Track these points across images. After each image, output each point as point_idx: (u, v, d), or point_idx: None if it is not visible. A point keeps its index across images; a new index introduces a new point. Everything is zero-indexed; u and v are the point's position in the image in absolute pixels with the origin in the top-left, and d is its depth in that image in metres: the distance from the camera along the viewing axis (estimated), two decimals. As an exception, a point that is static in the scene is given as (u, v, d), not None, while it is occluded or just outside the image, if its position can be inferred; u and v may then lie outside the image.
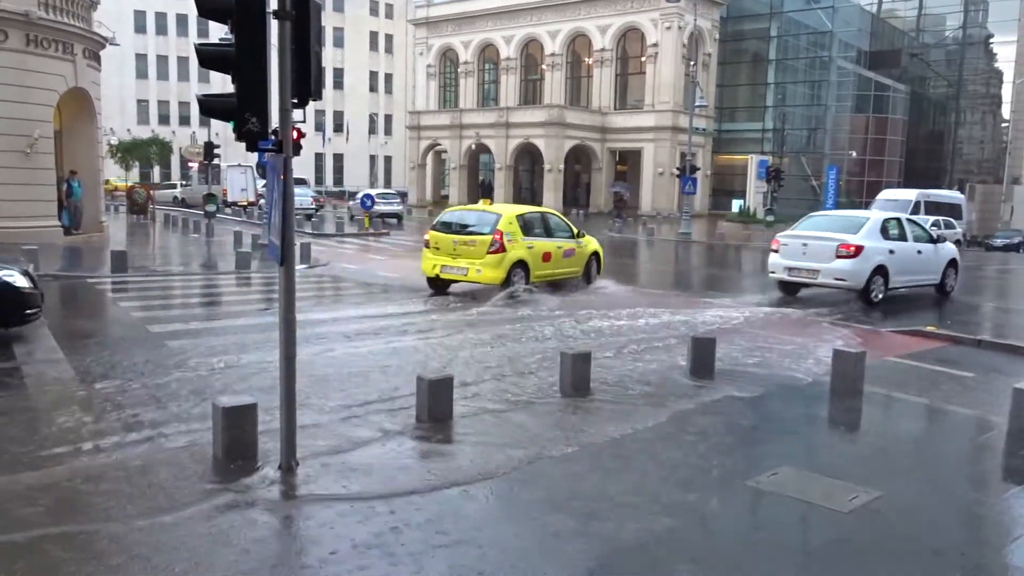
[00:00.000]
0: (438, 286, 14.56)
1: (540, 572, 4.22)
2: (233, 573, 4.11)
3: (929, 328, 12.29)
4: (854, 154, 56.72)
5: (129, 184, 46.10)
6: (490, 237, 13.70)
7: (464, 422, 6.72)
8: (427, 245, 14.63)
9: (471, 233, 14.12)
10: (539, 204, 54.69)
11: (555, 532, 4.69)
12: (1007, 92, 75.83)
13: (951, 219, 33.74)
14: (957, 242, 32.88)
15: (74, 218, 23.62)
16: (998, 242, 41.96)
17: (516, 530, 4.79)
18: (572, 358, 7.72)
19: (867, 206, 41.65)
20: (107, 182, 35.68)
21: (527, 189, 60.86)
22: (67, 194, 23.34)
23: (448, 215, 15.53)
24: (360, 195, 35.33)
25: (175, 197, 48.84)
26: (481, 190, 61.29)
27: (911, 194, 37.05)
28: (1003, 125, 78.68)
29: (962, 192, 42.00)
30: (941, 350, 11.05)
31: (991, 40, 72.44)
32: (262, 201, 23.45)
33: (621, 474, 5.71)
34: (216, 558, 4.27)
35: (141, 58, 72.17)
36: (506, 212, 14.50)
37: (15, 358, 8.72)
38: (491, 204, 15.99)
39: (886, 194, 39.38)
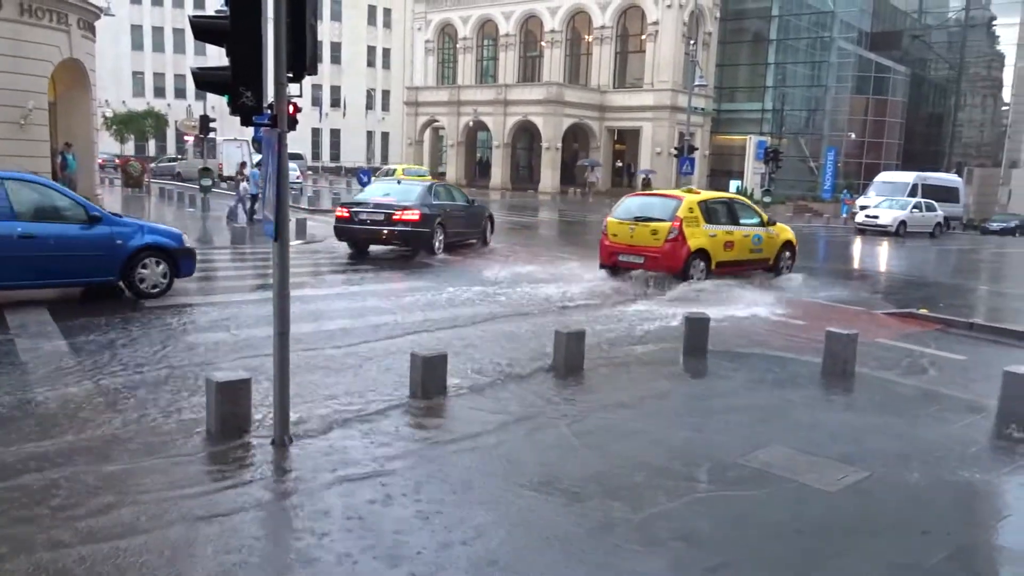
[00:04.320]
0: None
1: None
2: (221, 552, 4.16)
3: (922, 310, 12.34)
4: (853, 136, 56.56)
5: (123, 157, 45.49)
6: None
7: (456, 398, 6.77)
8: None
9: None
10: (536, 183, 54.85)
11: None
12: (1008, 75, 75.64)
13: (948, 202, 33.83)
14: (946, 221, 33.20)
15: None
16: (994, 226, 42.02)
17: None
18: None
19: (865, 188, 41.64)
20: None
21: (525, 167, 60.57)
22: (62, 167, 23.17)
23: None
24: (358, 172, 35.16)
25: (177, 172, 47.80)
26: (478, 168, 61.00)
27: (909, 176, 37.06)
28: (1003, 108, 78.54)
29: (960, 175, 41.97)
30: (933, 332, 11.10)
31: (994, 22, 72.08)
32: (248, 177, 23.04)
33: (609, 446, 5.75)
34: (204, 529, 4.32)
35: (136, 29, 71.30)
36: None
37: (9, 330, 8.71)
38: None
39: (884, 176, 39.37)
